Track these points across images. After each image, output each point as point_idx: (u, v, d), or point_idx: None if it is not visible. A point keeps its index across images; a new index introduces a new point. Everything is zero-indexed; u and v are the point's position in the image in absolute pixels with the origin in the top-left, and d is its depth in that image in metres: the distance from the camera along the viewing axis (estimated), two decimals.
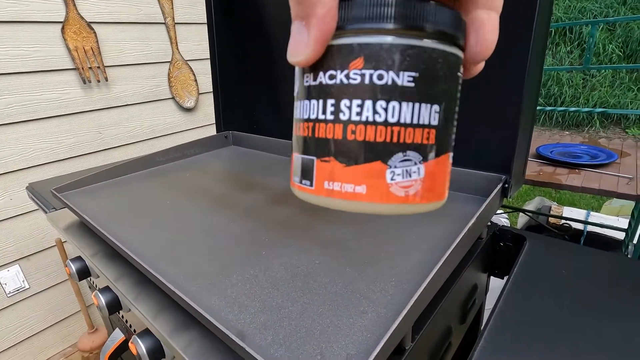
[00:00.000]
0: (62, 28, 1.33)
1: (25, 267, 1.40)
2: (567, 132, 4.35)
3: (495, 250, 0.65)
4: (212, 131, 1.97)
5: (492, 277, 0.72)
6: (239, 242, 0.56)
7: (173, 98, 1.75)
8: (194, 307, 0.38)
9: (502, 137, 0.60)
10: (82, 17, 1.37)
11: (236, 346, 0.33)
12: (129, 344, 0.50)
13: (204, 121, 1.92)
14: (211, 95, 1.93)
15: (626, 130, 4.28)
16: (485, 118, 0.62)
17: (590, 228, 1.59)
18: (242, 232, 0.60)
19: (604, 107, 4.30)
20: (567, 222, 1.56)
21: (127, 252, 0.51)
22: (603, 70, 4.48)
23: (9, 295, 1.37)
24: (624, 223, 1.59)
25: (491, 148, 0.62)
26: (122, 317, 0.69)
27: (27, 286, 1.42)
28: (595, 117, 4.39)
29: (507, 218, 2.16)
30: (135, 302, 0.49)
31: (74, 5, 1.34)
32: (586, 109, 2.04)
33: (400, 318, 0.33)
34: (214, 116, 1.97)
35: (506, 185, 0.60)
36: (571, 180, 0.96)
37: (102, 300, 0.58)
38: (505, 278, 0.69)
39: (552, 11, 0.58)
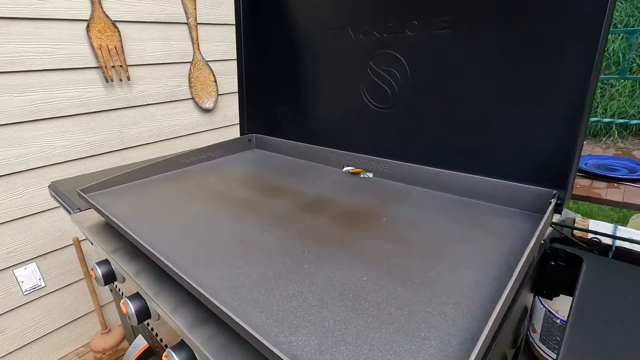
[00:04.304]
0: (87, 26, 1.33)
1: (41, 266, 1.40)
2: (585, 142, 4.25)
3: (545, 270, 0.61)
4: (230, 133, 1.95)
5: None
6: (274, 252, 0.54)
7: (192, 98, 1.74)
8: (244, 328, 0.35)
9: (559, 149, 0.56)
10: (107, 16, 1.36)
11: None
12: (163, 357, 0.47)
13: (221, 122, 1.90)
14: (229, 97, 1.92)
15: None
16: (540, 127, 0.59)
17: (618, 243, 1.53)
18: (276, 241, 0.57)
19: (622, 118, 4.20)
20: (597, 236, 1.50)
21: (170, 267, 0.48)
22: (622, 80, 4.37)
23: (25, 294, 1.36)
24: None
25: (544, 160, 0.59)
26: (148, 324, 0.67)
27: (43, 284, 1.41)
28: (614, 127, 4.29)
29: None
30: (173, 315, 0.47)
31: (100, 3, 1.34)
32: (610, 119, 1.98)
33: (476, 350, 0.30)
34: (231, 118, 1.95)
35: (559, 202, 0.57)
36: (611, 195, 0.92)
37: (132, 308, 0.56)
38: (554, 299, 0.66)
39: (612, 17, 0.54)
